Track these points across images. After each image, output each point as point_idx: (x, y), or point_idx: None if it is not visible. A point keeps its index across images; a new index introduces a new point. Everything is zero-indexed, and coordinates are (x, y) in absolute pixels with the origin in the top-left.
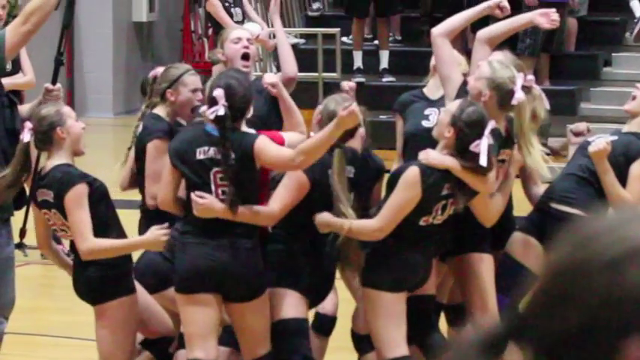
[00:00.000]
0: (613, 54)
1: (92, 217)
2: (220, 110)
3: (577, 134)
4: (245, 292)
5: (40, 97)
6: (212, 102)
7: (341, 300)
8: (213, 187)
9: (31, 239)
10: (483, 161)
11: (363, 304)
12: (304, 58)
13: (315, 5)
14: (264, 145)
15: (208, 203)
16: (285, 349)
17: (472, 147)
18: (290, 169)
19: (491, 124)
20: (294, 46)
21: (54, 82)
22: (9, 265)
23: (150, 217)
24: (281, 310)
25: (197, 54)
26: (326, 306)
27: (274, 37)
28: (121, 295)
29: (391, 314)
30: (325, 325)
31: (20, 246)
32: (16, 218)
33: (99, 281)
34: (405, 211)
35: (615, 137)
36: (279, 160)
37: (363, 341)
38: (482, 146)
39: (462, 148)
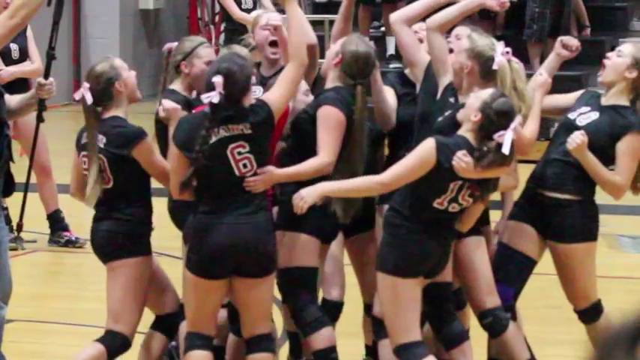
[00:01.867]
0: (620, 39)
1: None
2: (215, 98)
3: (566, 47)
4: (262, 267)
5: (33, 90)
6: (210, 86)
7: (348, 285)
8: (233, 164)
9: (36, 227)
10: (506, 150)
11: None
12: None
13: None
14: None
15: (267, 175)
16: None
17: (496, 136)
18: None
19: (518, 119)
20: None
21: (46, 77)
22: (3, 249)
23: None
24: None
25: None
26: (332, 291)
27: None
28: (134, 254)
29: (404, 299)
30: (332, 310)
31: (16, 240)
32: (14, 212)
33: (113, 237)
34: (415, 173)
35: (596, 115)
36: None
37: (382, 326)
38: (507, 137)
39: (485, 135)
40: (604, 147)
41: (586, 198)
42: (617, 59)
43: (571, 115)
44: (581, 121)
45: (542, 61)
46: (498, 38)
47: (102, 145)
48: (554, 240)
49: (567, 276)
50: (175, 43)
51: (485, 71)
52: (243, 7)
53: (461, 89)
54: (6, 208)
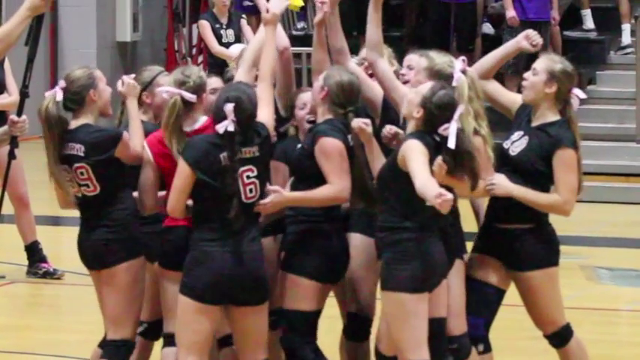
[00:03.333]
0: (597, 72)
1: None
2: (230, 126)
3: (528, 38)
4: (259, 296)
5: (6, 127)
6: (220, 115)
7: (326, 317)
8: (241, 187)
9: (14, 259)
10: (452, 143)
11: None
12: None
13: (300, 25)
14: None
15: (277, 196)
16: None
17: (441, 130)
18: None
19: (460, 109)
20: None
21: (19, 114)
22: None
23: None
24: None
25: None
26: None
27: None
28: (129, 257)
29: (413, 315)
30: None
31: None
32: None
33: (107, 245)
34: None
35: (526, 140)
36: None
37: None
38: (452, 129)
39: (430, 130)
40: (541, 171)
41: (538, 224)
42: (533, 78)
43: (505, 144)
44: (514, 150)
45: (518, 92)
46: None
47: (81, 154)
48: (513, 269)
49: (531, 303)
50: (132, 75)
51: None
52: (223, 40)
53: None
54: None
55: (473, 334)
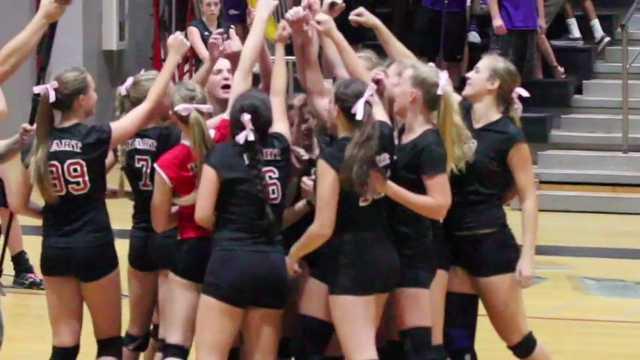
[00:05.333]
0: (584, 81)
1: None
2: (250, 136)
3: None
4: (280, 298)
5: (17, 136)
6: (238, 125)
7: None
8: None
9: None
10: (359, 115)
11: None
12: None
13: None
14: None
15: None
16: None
17: (353, 109)
18: None
19: (371, 88)
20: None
21: (32, 122)
22: None
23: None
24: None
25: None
26: None
27: None
28: (116, 263)
29: (358, 317)
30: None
31: None
32: None
33: (100, 252)
34: (334, 197)
35: (474, 144)
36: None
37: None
38: (359, 104)
39: (348, 119)
40: (497, 171)
41: (497, 229)
42: (475, 75)
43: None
44: None
45: None
46: (463, 81)
47: (78, 150)
48: (475, 275)
49: (494, 309)
50: (129, 81)
51: (429, 99)
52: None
53: (404, 119)
54: None
55: (457, 345)
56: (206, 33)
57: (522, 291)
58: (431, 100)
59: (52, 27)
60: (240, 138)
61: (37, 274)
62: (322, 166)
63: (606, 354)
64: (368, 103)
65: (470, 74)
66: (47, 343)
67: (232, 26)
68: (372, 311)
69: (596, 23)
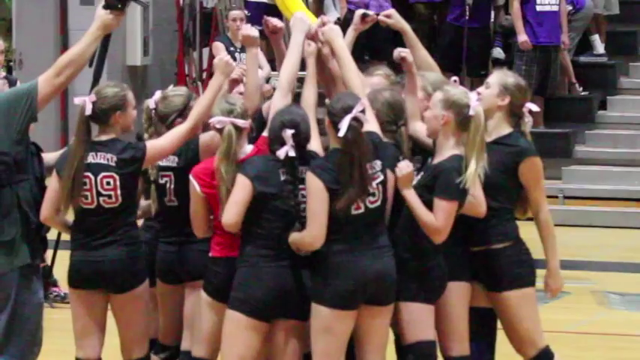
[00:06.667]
0: (608, 97)
1: None
2: (291, 152)
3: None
4: (305, 309)
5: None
6: (279, 140)
7: None
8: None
9: None
10: (341, 133)
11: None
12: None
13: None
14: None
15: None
16: None
17: (339, 125)
18: None
19: (361, 104)
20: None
21: None
22: (41, 310)
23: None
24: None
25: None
26: None
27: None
28: (146, 276)
29: (331, 330)
30: None
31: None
32: None
33: (131, 264)
34: (324, 208)
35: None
36: None
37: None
38: (345, 120)
39: (337, 132)
40: (508, 185)
41: (512, 243)
42: (486, 91)
43: None
44: None
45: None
46: None
47: (112, 164)
48: (490, 290)
49: (509, 324)
50: (157, 95)
51: (461, 121)
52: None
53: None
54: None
55: (478, 359)
56: (231, 48)
57: (546, 306)
58: (463, 122)
59: (106, 38)
60: (281, 153)
61: (62, 289)
62: (310, 178)
63: None
64: (355, 120)
65: (480, 89)
66: (71, 356)
67: None
68: (346, 326)
69: (596, 38)
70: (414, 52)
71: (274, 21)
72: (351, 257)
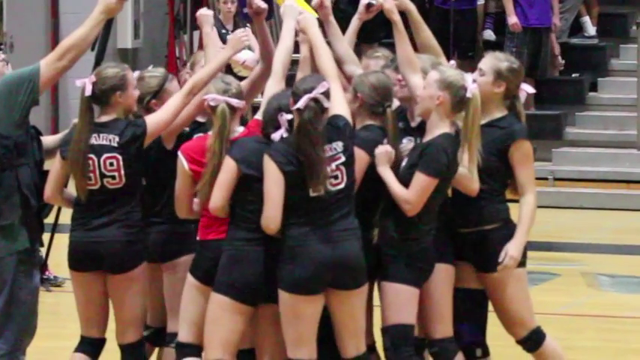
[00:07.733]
0: (598, 79)
1: None
2: (285, 134)
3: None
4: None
5: (67, 132)
6: (274, 124)
7: None
8: None
9: None
10: (296, 107)
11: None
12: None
13: None
14: None
15: None
16: None
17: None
18: None
19: (323, 86)
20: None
21: None
22: (37, 295)
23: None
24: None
25: (182, 80)
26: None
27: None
28: (144, 258)
29: (298, 315)
30: None
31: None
32: None
33: (130, 246)
34: (280, 193)
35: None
36: None
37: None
38: (303, 98)
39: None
40: (498, 167)
41: (502, 224)
42: (480, 79)
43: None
44: None
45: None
46: None
47: (115, 145)
48: (481, 270)
49: (500, 304)
50: (135, 75)
51: (456, 102)
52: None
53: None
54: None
55: (469, 340)
56: (223, 31)
57: (536, 288)
58: (458, 103)
59: (109, 23)
60: (276, 137)
61: (52, 271)
62: (265, 160)
63: (620, 350)
64: (314, 100)
65: (474, 76)
66: (61, 339)
67: (248, 25)
68: (311, 310)
69: (587, 20)
70: (418, 32)
71: (258, 2)
72: (307, 242)
